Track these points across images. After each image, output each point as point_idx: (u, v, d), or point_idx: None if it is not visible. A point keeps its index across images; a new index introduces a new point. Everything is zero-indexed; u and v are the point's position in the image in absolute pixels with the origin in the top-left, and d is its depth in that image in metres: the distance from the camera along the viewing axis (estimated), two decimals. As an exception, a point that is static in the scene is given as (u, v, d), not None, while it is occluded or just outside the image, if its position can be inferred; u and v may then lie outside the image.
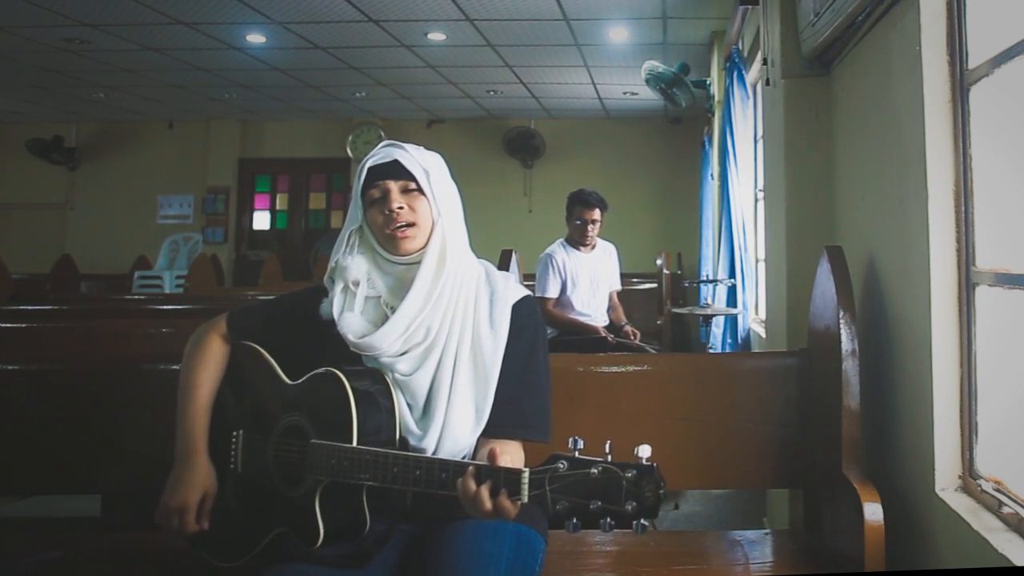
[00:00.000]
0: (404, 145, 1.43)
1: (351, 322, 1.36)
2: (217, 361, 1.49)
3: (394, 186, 1.39)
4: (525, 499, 1.07)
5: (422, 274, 1.36)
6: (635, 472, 1.02)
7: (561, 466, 1.05)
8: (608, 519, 1.02)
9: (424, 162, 1.41)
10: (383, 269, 1.41)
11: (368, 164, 1.40)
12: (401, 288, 1.38)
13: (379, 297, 1.39)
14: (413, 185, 1.39)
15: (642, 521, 1.02)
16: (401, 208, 1.37)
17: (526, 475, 1.08)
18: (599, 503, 1.02)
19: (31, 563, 1.69)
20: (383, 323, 1.36)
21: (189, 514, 1.35)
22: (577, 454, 1.06)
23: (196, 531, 1.36)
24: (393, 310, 1.37)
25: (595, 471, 1.03)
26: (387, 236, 1.38)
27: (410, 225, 1.38)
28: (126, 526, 2.46)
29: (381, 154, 1.41)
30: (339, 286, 1.40)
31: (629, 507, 1.01)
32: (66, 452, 1.91)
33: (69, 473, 1.93)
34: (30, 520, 3.08)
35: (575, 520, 1.04)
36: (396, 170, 1.39)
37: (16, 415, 1.94)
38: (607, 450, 1.05)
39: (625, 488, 1.02)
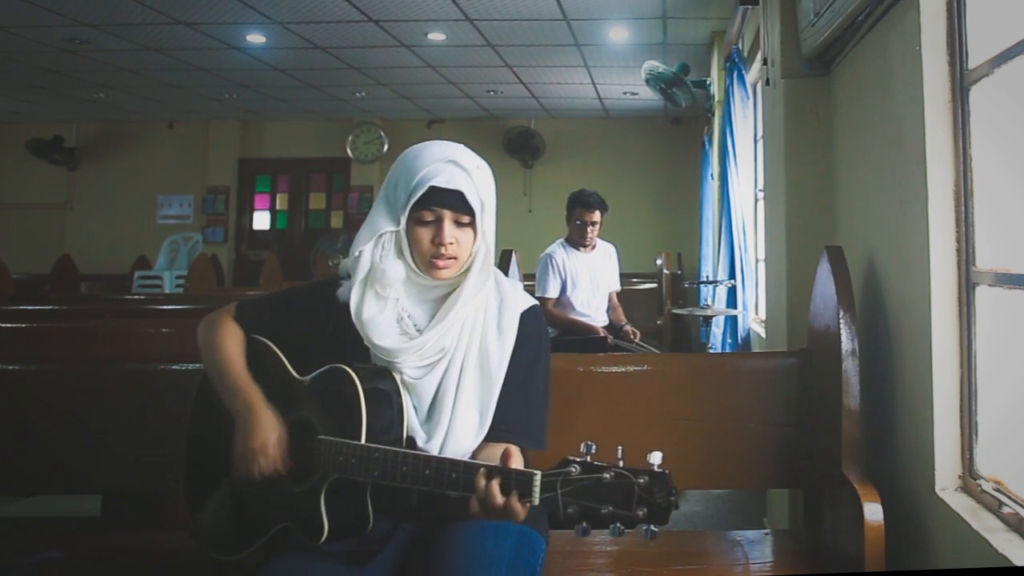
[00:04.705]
0: (468, 167, 1.34)
1: (380, 325, 1.35)
2: (238, 337, 1.48)
3: (449, 216, 1.34)
4: (536, 501, 1.07)
5: (462, 302, 1.35)
6: (647, 478, 1.02)
7: (573, 470, 1.05)
8: (619, 524, 1.03)
9: (482, 193, 1.35)
10: (411, 280, 1.38)
11: (431, 183, 1.31)
12: (420, 298, 1.39)
13: (396, 300, 1.38)
14: (465, 219, 1.35)
15: (652, 527, 1.02)
16: (452, 243, 1.34)
17: (538, 477, 1.08)
18: (610, 508, 1.03)
19: (31, 563, 1.69)
20: (398, 323, 1.36)
21: (271, 449, 1.32)
22: (589, 458, 1.06)
23: (279, 472, 1.32)
24: (409, 315, 1.37)
25: (607, 476, 1.03)
26: (427, 261, 1.35)
27: (453, 258, 1.35)
28: (126, 526, 2.46)
29: (446, 174, 1.32)
30: (359, 276, 1.36)
31: (640, 512, 1.02)
32: (66, 452, 1.91)
33: (69, 473, 1.93)
34: (30, 520, 3.08)
35: (585, 524, 1.04)
36: (456, 201, 1.33)
37: (16, 415, 1.94)
38: (619, 455, 1.05)
39: (637, 494, 1.02)
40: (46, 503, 3.13)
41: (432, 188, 1.32)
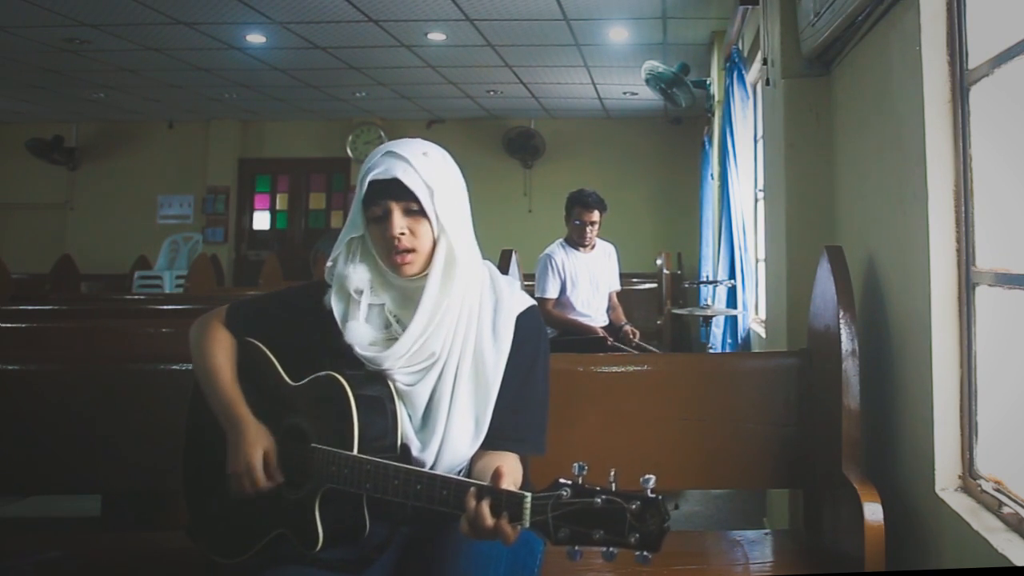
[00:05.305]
0: (406, 154, 1.32)
1: (357, 331, 1.34)
2: (229, 344, 1.47)
3: (396, 207, 1.31)
4: (527, 524, 1.06)
5: (427, 295, 1.32)
6: (639, 504, 1.00)
7: (564, 494, 1.03)
8: (610, 548, 1.02)
9: (428, 178, 1.31)
10: (387, 280, 1.37)
11: (369, 177, 1.32)
12: (406, 300, 1.36)
13: (383, 305, 1.37)
14: (415, 206, 1.31)
15: (644, 553, 1.00)
16: (403, 234, 1.31)
17: (528, 500, 1.06)
18: (602, 532, 1.01)
19: (31, 563, 1.69)
20: (387, 328, 1.35)
21: (256, 472, 1.31)
22: (581, 480, 1.04)
23: (270, 486, 1.32)
24: (398, 319, 1.35)
25: (599, 501, 1.02)
26: (389, 258, 1.34)
27: (411, 251, 1.33)
28: (126, 526, 2.46)
29: (382, 166, 1.31)
30: (336, 286, 1.38)
31: (632, 539, 1.00)
32: (66, 452, 1.91)
33: (69, 473, 1.93)
34: (30, 520, 3.08)
35: (576, 547, 1.03)
36: (397, 190, 1.30)
37: (16, 415, 1.94)
38: (611, 478, 1.03)
39: (629, 520, 1.00)
40: (46, 503, 3.13)
41: (372, 183, 1.32)
